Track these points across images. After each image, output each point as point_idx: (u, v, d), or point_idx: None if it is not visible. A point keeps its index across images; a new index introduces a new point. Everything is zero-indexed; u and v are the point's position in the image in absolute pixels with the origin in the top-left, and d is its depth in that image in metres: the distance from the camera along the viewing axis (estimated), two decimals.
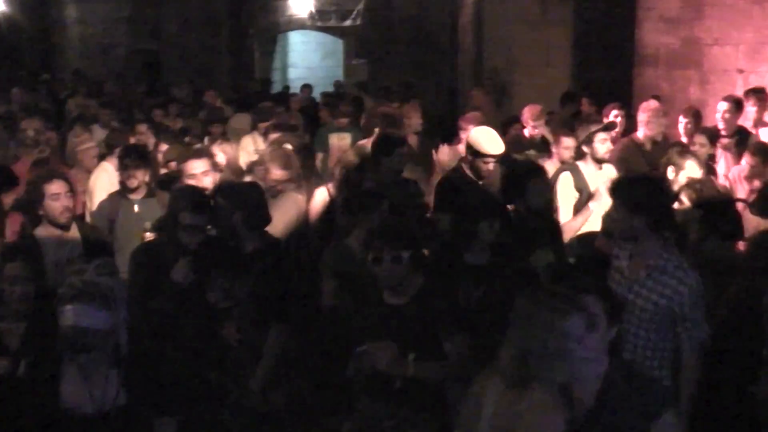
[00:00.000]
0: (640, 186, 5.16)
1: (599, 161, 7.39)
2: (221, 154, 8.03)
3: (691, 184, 6.77)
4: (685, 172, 6.80)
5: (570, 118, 10.49)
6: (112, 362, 3.92)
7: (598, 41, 14.39)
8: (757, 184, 7.45)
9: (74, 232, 6.38)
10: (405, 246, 4.74)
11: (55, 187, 6.20)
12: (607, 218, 6.02)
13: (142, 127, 10.33)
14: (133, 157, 7.38)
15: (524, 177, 6.63)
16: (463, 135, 8.94)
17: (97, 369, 3.93)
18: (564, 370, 3.31)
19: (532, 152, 8.91)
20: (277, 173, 7.27)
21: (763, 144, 8.27)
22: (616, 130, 9.12)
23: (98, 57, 24.89)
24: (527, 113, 10.43)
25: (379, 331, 4.72)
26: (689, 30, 11.04)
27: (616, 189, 5.26)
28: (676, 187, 6.75)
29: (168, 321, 5.47)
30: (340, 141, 11.27)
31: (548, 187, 6.97)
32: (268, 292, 5.55)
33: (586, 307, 3.34)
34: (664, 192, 5.29)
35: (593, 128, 7.51)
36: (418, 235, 5.06)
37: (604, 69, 13.96)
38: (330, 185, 7.51)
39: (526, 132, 10.44)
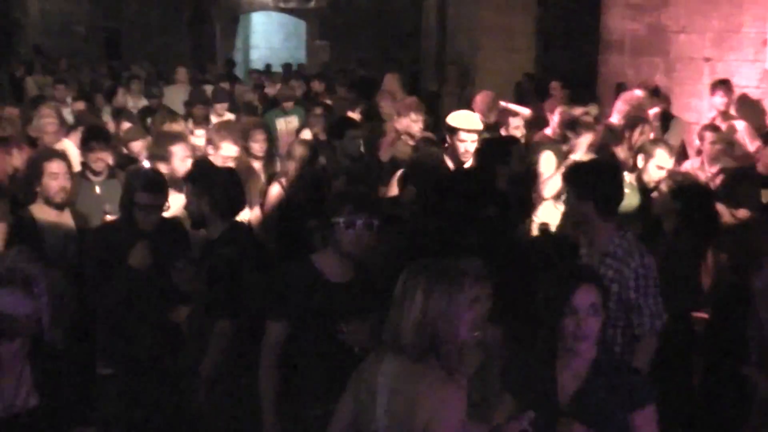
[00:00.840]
0: (588, 172, 5.10)
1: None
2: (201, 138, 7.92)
3: (672, 175, 6.73)
4: (654, 161, 6.73)
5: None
6: (27, 355, 3.66)
7: (563, 27, 14.40)
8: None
9: (68, 218, 6.29)
10: (376, 214, 4.64)
11: (55, 166, 6.13)
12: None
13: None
14: (99, 139, 7.25)
15: (507, 143, 6.60)
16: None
17: (10, 362, 3.65)
18: (459, 338, 3.38)
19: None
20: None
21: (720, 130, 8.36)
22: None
23: (58, 34, 24.55)
24: (480, 101, 10.37)
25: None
26: (655, 17, 10.99)
27: (567, 175, 5.23)
28: (645, 176, 6.70)
29: (124, 305, 5.37)
30: (287, 125, 11.21)
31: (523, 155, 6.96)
32: (218, 283, 5.29)
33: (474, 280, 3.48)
34: (614, 177, 5.15)
35: (575, 112, 7.56)
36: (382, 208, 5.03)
37: (569, 55, 13.96)
38: (283, 180, 7.41)
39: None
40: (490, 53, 14.38)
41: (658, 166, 6.68)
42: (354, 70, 17.86)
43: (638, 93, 9.36)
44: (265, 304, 4.72)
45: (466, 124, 7.07)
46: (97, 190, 7.06)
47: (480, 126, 7.24)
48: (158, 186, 5.57)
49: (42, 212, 6.18)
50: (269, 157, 8.53)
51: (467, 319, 3.41)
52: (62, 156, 6.44)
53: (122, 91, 13.50)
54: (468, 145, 7.05)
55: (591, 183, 4.94)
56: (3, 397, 3.64)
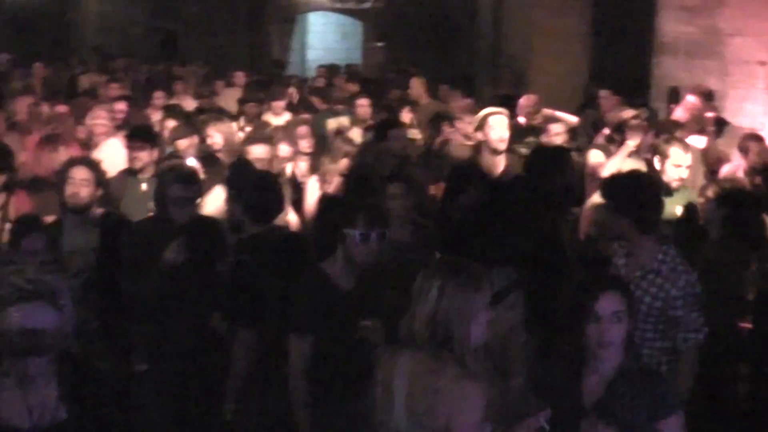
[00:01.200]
0: (626, 185, 5.03)
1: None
2: (218, 135, 7.90)
3: (719, 181, 6.62)
4: (670, 160, 6.57)
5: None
6: (55, 370, 3.52)
7: (617, 29, 14.22)
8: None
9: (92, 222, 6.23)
10: (387, 223, 4.83)
11: (75, 172, 6.09)
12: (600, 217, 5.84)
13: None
14: (142, 138, 7.32)
15: (562, 152, 6.57)
16: None
17: (39, 377, 3.50)
18: (472, 337, 3.39)
19: (531, 140, 8.79)
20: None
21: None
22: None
23: (115, 34, 24.78)
24: (523, 103, 10.28)
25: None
26: (709, 19, 10.80)
27: (604, 188, 5.15)
28: (665, 178, 6.56)
29: (159, 301, 5.42)
30: (338, 125, 11.19)
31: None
32: (238, 292, 5.32)
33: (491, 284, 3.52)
34: (653, 191, 5.09)
35: (626, 114, 7.48)
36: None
37: (622, 58, 13.79)
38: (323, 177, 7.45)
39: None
40: (544, 55, 14.29)
41: (675, 164, 6.52)
42: (407, 72, 17.78)
43: (692, 99, 9.25)
44: (287, 317, 4.81)
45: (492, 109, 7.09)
46: (144, 187, 7.13)
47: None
48: (191, 179, 5.62)
49: (66, 217, 6.18)
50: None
51: (482, 320, 3.39)
52: (89, 163, 6.38)
53: (178, 89, 13.60)
54: (499, 132, 7.14)
55: (629, 197, 4.87)
56: (32, 412, 3.52)
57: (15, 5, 22.40)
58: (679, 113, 9.11)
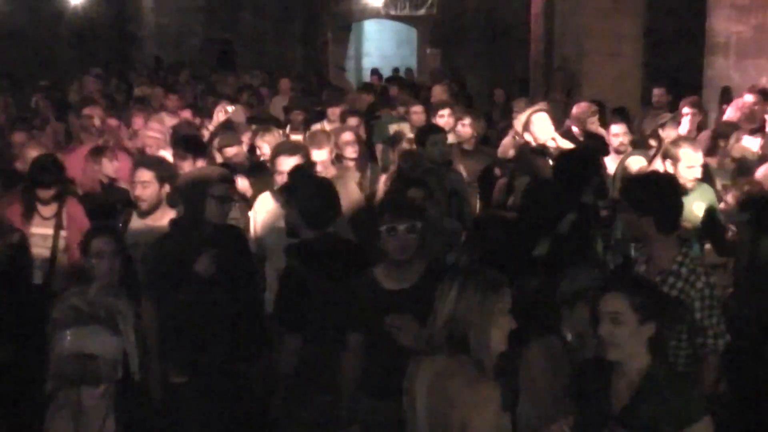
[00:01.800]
0: (646, 185, 4.98)
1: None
2: (266, 145, 7.99)
3: (737, 184, 6.53)
4: (682, 163, 6.49)
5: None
6: (111, 404, 3.26)
7: (670, 30, 14.09)
8: None
9: (165, 220, 6.24)
10: (417, 216, 4.77)
11: (139, 174, 6.31)
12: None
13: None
14: (181, 147, 7.48)
15: (594, 154, 6.49)
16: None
17: (92, 410, 3.26)
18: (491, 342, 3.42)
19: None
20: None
21: None
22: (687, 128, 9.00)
23: (173, 46, 25.15)
24: (577, 111, 10.19)
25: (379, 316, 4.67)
26: (762, 18, 10.70)
27: (624, 190, 5.12)
28: (680, 180, 6.50)
29: (191, 311, 5.43)
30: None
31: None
32: (286, 298, 5.35)
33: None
34: (673, 191, 5.02)
35: (661, 120, 7.39)
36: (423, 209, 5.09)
37: (676, 59, 13.66)
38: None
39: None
40: (596, 58, 14.16)
41: (687, 166, 6.43)
42: (460, 77, 17.81)
43: (749, 98, 9.12)
44: (341, 316, 4.87)
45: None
46: None
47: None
48: (230, 178, 5.71)
49: (138, 216, 6.38)
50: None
51: (503, 325, 3.40)
52: (151, 164, 6.57)
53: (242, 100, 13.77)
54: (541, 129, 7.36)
55: (650, 198, 4.82)
56: None
57: (76, 19, 22.77)
58: (731, 113, 8.98)
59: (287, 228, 5.79)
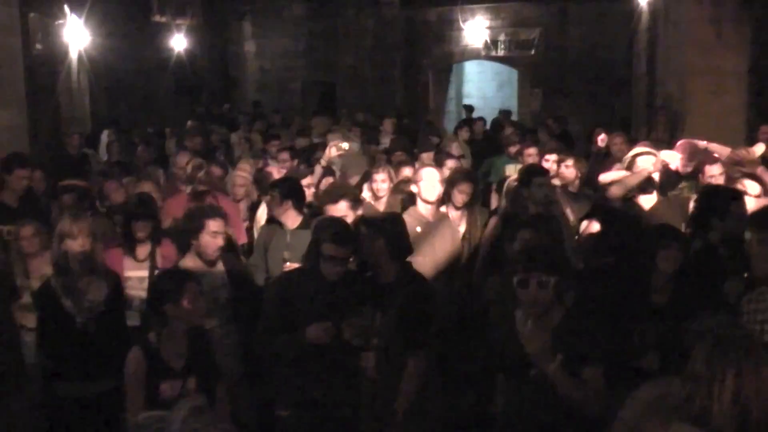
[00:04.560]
0: None
1: None
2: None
3: None
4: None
5: None
6: None
7: None
8: None
9: (219, 266, 6.51)
10: (551, 271, 4.60)
11: (216, 224, 6.37)
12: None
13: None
14: (275, 190, 7.54)
15: (727, 200, 6.31)
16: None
17: None
18: None
19: (684, 185, 8.40)
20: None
21: None
22: None
23: (276, 90, 25.52)
24: (680, 149, 9.89)
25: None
26: None
27: (754, 220, 4.91)
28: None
29: (301, 355, 5.49)
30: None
31: (747, 213, 6.40)
32: (411, 323, 5.52)
33: None
34: None
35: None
36: (564, 263, 4.92)
37: None
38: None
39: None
40: (700, 96, 13.85)
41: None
42: (564, 118, 17.65)
43: None
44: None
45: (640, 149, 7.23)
46: (288, 238, 7.24)
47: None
48: (346, 238, 5.61)
49: (193, 263, 6.39)
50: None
51: None
52: (223, 215, 6.63)
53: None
54: None
55: None
56: None
57: (180, 65, 23.27)
58: None
59: (362, 260, 5.84)
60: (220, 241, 6.37)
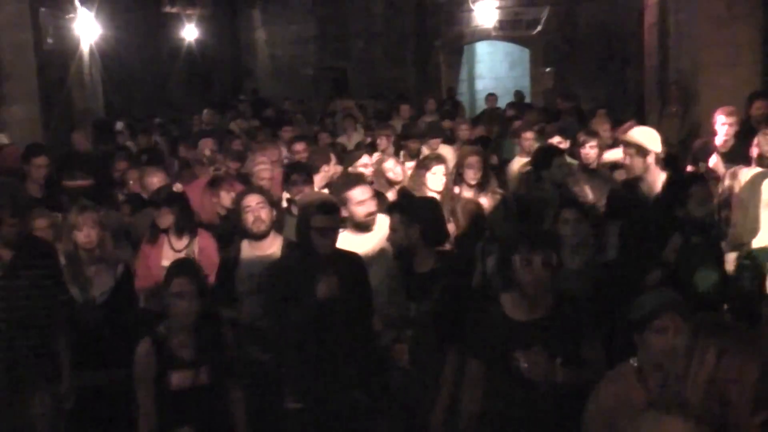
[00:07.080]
0: None
1: None
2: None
3: None
4: None
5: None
6: None
7: None
8: None
9: (275, 247, 6.44)
10: (553, 250, 4.54)
11: (249, 199, 6.40)
12: None
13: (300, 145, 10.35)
14: (294, 174, 7.55)
15: (686, 184, 6.23)
16: None
17: None
18: None
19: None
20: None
21: None
22: None
23: (287, 77, 25.53)
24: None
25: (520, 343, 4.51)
26: None
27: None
28: None
29: (310, 336, 5.42)
30: None
31: (711, 197, 6.41)
32: (447, 314, 5.37)
33: None
34: None
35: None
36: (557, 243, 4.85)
37: None
38: None
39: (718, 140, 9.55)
40: (713, 69, 13.70)
41: None
42: (577, 96, 17.58)
43: None
44: (466, 341, 4.78)
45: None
46: None
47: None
48: (333, 208, 5.60)
49: (249, 246, 6.42)
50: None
51: None
52: (259, 190, 6.69)
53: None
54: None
55: None
56: None
57: (192, 54, 23.31)
58: None
59: (396, 247, 5.83)
60: (256, 213, 6.32)
